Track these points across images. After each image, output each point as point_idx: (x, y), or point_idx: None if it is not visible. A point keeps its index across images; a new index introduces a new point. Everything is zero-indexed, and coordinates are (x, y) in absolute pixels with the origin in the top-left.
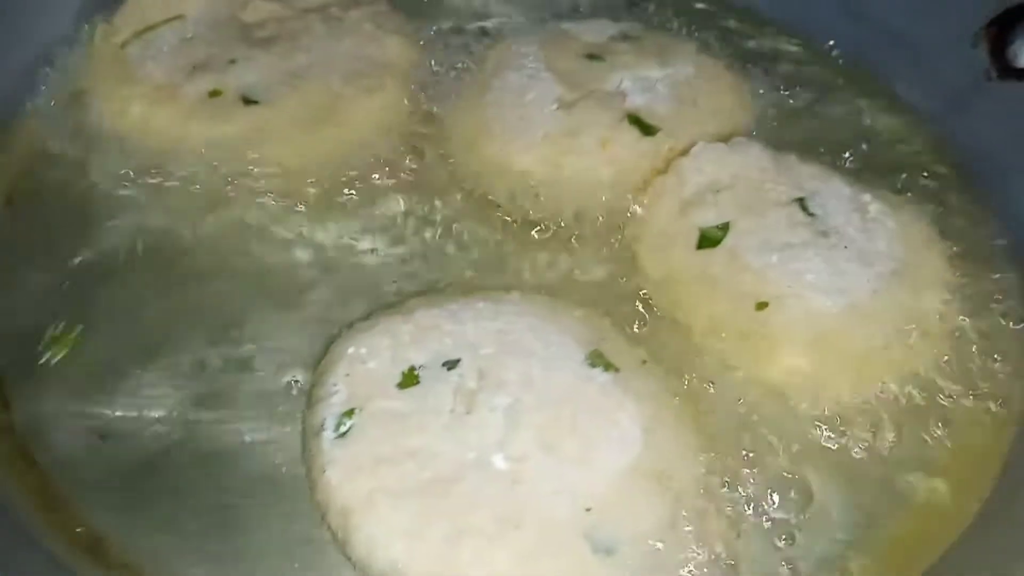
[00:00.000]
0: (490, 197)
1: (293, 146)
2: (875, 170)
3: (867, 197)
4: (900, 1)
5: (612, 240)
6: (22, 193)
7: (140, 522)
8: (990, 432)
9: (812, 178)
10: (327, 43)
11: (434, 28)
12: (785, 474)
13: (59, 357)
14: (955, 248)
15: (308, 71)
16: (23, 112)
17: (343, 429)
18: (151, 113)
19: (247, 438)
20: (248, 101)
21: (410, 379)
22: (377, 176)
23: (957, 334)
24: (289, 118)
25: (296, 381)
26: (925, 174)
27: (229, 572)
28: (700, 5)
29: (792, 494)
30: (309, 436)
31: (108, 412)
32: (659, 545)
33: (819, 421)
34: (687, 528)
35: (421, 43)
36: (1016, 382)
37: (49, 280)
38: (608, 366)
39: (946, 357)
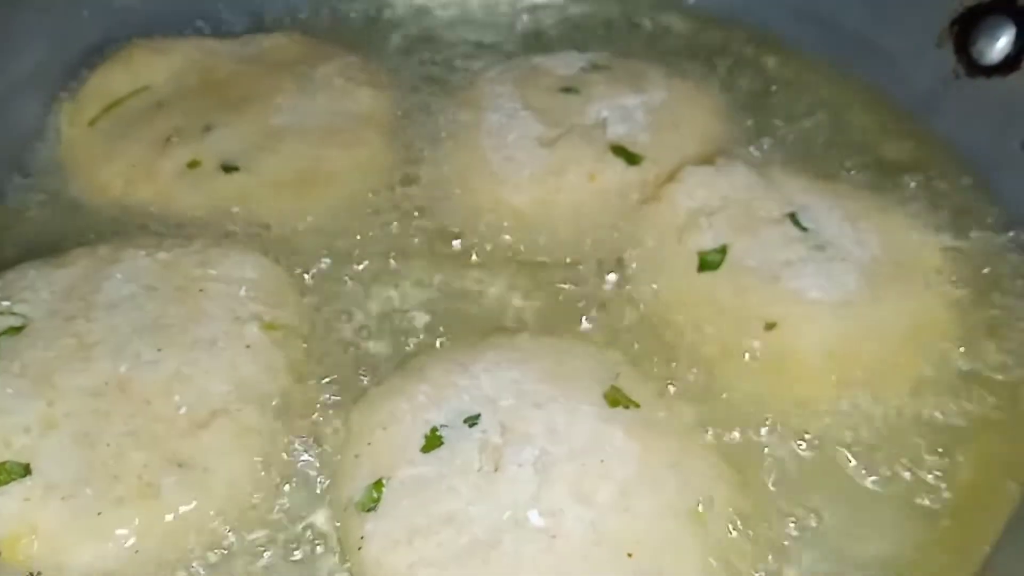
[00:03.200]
0: (482, 242)
1: (280, 210)
2: (861, 174)
3: (856, 204)
4: (860, 4)
5: (611, 273)
6: None
7: None
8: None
9: (800, 191)
10: (301, 101)
11: (406, 74)
12: (811, 496)
13: None
14: (950, 243)
15: (285, 132)
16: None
17: (373, 502)
18: (130, 191)
19: None
20: (228, 168)
21: (433, 441)
22: (364, 231)
23: (965, 326)
24: (272, 183)
25: None
26: (911, 173)
27: None
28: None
29: (819, 517)
30: (337, 509)
31: None
32: None
33: (841, 437)
34: (731, 560)
35: (396, 92)
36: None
37: None
38: (628, 403)
39: (962, 348)
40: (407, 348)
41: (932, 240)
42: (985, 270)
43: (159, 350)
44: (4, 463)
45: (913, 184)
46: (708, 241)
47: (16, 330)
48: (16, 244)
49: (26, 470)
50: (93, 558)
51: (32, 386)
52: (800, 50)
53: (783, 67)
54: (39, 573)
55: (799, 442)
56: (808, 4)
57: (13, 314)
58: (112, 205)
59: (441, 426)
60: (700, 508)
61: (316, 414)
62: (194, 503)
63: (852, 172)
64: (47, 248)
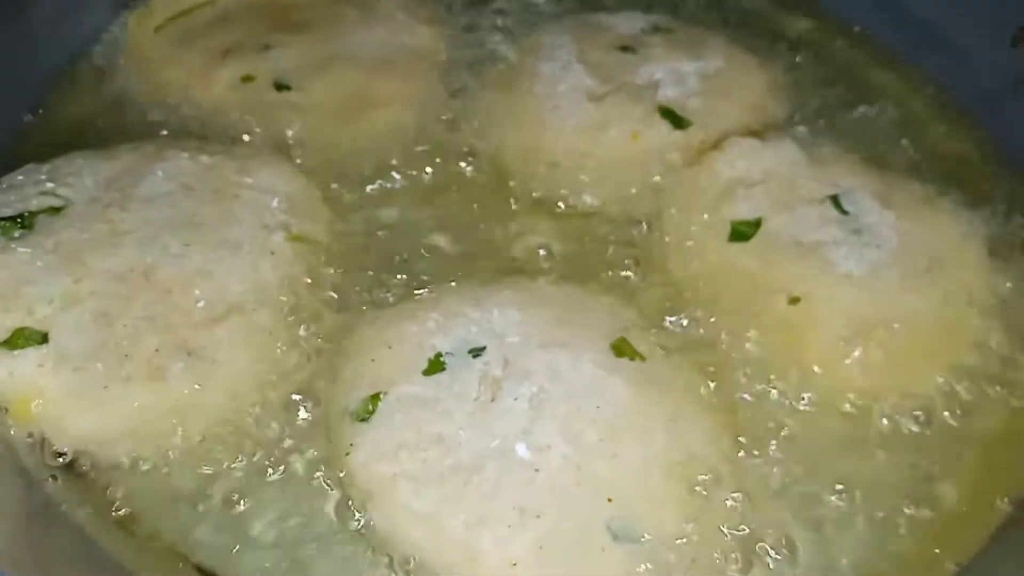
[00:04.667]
0: (519, 186)
1: (324, 131)
2: (912, 166)
3: (901, 194)
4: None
5: (641, 232)
6: None
7: None
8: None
9: (846, 174)
10: (360, 30)
11: (467, 16)
12: (814, 471)
13: None
14: (996, 247)
15: (340, 58)
16: (63, 89)
17: (367, 413)
18: (185, 96)
19: None
20: (280, 87)
21: (436, 366)
22: (406, 163)
23: (990, 336)
24: (320, 105)
25: None
26: (965, 171)
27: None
28: None
29: (822, 493)
30: (332, 417)
31: None
32: (682, 536)
33: (851, 418)
34: (710, 520)
35: (454, 32)
36: None
37: None
38: (634, 355)
39: (975, 360)
40: (425, 278)
41: (975, 241)
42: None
43: (187, 245)
44: (24, 328)
45: (970, 182)
46: (743, 212)
47: (55, 210)
48: (71, 133)
49: (44, 338)
50: (94, 428)
51: (61, 263)
52: (867, 35)
53: (847, 50)
54: (41, 434)
55: (802, 409)
56: None
57: (55, 195)
58: (166, 107)
59: (446, 353)
60: (687, 466)
61: (327, 327)
62: (197, 391)
63: (904, 162)
64: (99, 140)
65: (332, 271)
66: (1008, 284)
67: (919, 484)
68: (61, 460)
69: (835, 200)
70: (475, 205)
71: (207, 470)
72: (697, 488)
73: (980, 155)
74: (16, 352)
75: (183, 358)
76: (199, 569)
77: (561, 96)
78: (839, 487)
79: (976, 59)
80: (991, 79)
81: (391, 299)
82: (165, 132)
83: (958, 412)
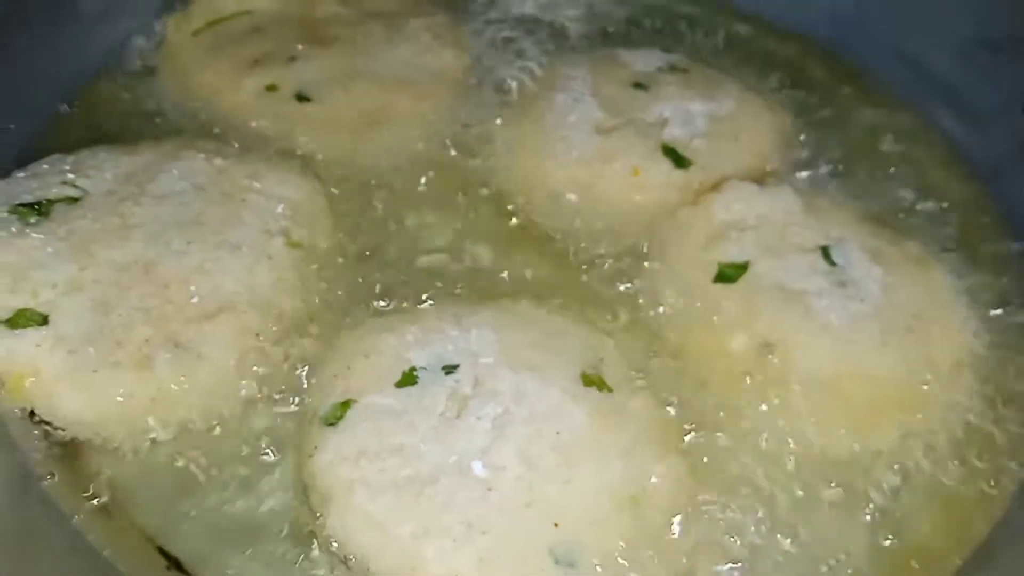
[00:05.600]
0: (518, 211)
1: (337, 143)
2: (911, 223)
3: (894, 251)
4: (954, 56)
5: (631, 264)
6: None
7: None
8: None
9: (840, 226)
10: (385, 48)
11: (492, 43)
12: (772, 515)
13: None
14: (987, 313)
15: (362, 74)
16: (99, 83)
17: (336, 419)
18: (212, 99)
19: None
20: (301, 98)
21: (408, 379)
22: (411, 181)
23: (961, 404)
24: (336, 118)
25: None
26: (966, 233)
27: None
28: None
29: (772, 534)
30: (304, 417)
31: None
32: (622, 566)
33: (813, 468)
34: (650, 553)
35: (476, 57)
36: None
37: None
38: (602, 386)
39: (945, 422)
40: (422, 293)
41: (961, 307)
42: (1006, 351)
43: (189, 243)
44: (26, 309)
45: (969, 245)
46: (732, 254)
47: (73, 200)
48: (101, 126)
49: (44, 320)
50: (81, 408)
51: (70, 250)
52: (883, 87)
53: (859, 100)
54: (31, 411)
55: (771, 462)
56: (900, 42)
57: (74, 186)
58: (193, 109)
59: (420, 367)
60: (637, 499)
61: (313, 333)
62: (182, 383)
63: (903, 219)
64: (126, 135)
65: (325, 279)
66: (989, 350)
67: (864, 535)
68: (47, 436)
69: (825, 251)
70: (472, 226)
71: (180, 462)
72: (643, 521)
73: (984, 218)
74: (17, 331)
75: (171, 350)
76: (166, 556)
77: (570, 127)
78: (789, 535)
79: (988, 120)
80: (1002, 143)
81: (377, 311)
82: (190, 132)
83: (915, 470)
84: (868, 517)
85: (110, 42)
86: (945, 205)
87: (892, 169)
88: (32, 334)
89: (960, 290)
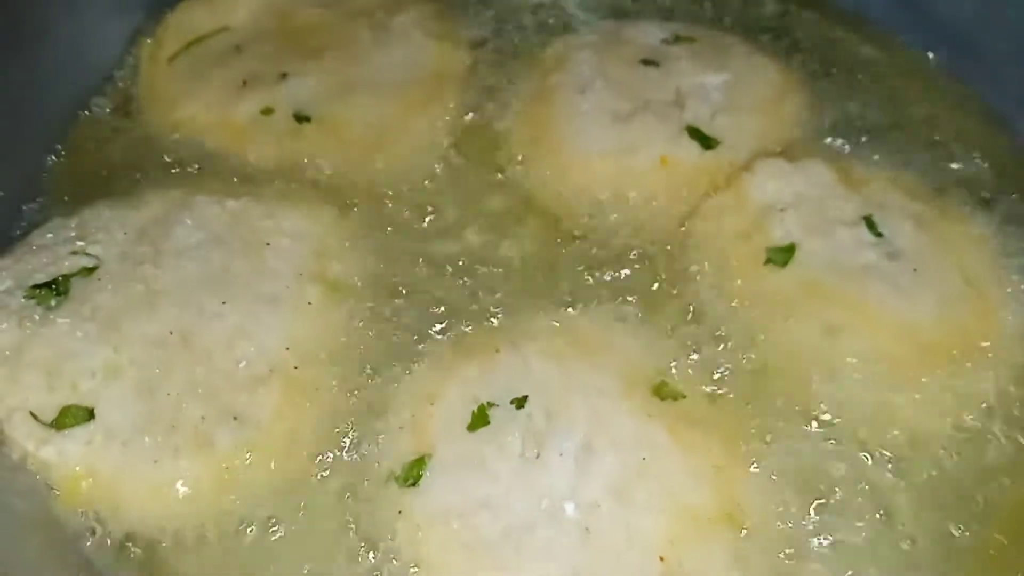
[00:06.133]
0: (545, 213)
1: (349, 164)
2: (946, 182)
3: (934, 213)
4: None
5: (671, 258)
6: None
7: None
8: None
9: (878, 192)
10: (376, 53)
11: (483, 29)
12: (857, 504)
13: None
14: None
15: (359, 84)
16: (82, 128)
17: (414, 478)
18: (204, 133)
19: None
20: (300, 118)
21: (480, 420)
22: (434, 194)
23: None
24: (341, 136)
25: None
26: (998, 186)
27: None
28: None
29: (865, 527)
30: (378, 476)
31: None
32: None
33: (888, 452)
34: (761, 567)
35: (471, 46)
36: None
37: None
38: (676, 396)
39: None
40: (465, 315)
41: (1011, 262)
42: None
43: (223, 303)
44: (70, 407)
45: (1005, 199)
46: (777, 237)
47: (89, 271)
48: (94, 175)
49: (90, 415)
50: (149, 504)
51: (100, 331)
52: (898, 41)
53: (878, 59)
54: (95, 515)
55: (848, 451)
56: None
57: (87, 255)
58: (187, 144)
59: (489, 404)
60: (733, 518)
61: (371, 377)
62: (247, 457)
63: (940, 179)
64: (123, 182)
65: (371, 315)
66: None
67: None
68: (116, 541)
69: (868, 221)
70: (500, 234)
71: (254, 537)
72: (745, 537)
73: (1019, 169)
74: (65, 431)
75: (229, 424)
76: None
77: (585, 117)
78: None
79: (1009, 70)
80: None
81: (431, 340)
82: (190, 171)
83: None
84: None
85: (86, 82)
86: (977, 158)
87: (916, 129)
88: (81, 432)
89: (1005, 245)
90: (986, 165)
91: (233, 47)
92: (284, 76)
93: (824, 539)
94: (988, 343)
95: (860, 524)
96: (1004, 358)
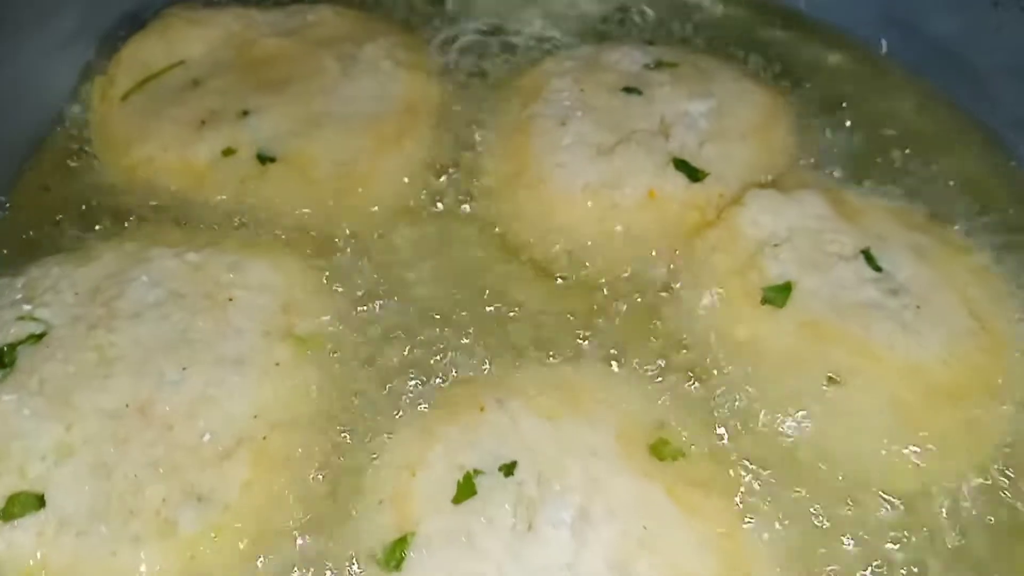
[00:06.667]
0: (528, 253)
1: (317, 207)
2: (943, 208)
3: (934, 242)
4: (954, 17)
5: (662, 299)
6: None
7: None
8: None
9: (875, 223)
10: (343, 84)
11: (455, 58)
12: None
13: None
14: None
15: (326, 119)
16: (29, 175)
17: (397, 560)
18: (161, 176)
19: None
20: (264, 159)
21: (466, 490)
22: (407, 236)
23: None
24: (308, 177)
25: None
26: (1000, 211)
27: None
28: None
29: None
30: (358, 555)
31: None
32: None
33: (901, 505)
34: None
35: (443, 76)
36: None
37: None
38: (675, 455)
39: None
40: (444, 368)
41: (1013, 288)
42: None
43: (183, 369)
44: (19, 494)
45: (1004, 226)
46: (772, 275)
47: (37, 338)
48: (42, 226)
49: (40, 502)
50: None
51: (50, 407)
52: (887, 62)
53: (866, 80)
54: None
55: (856, 509)
56: (897, 11)
57: (34, 319)
58: (142, 190)
59: (475, 472)
60: None
61: (345, 439)
62: (215, 540)
63: (931, 200)
64: (74, 233)
65: (343, 374)
66: None
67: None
68: None
69: (867, 255)
70: (483, 283)
71: None
72: None
73: (1014, 188)
74: (14, 522)
75: (193, 505)
76: None
77: (567, 151)
78: None
79: (999, 86)
80: (1016, 108)
81: (410, 398)
82: (145, 219)
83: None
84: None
85: (31, 125)
86: (973, 181)
87: (909, 151)
88: (31, 521)
89: (1007, 273)
90: (983, 188)
91: (190, 82)
92: (245, 113)
93: None
94: (1001, 380)
95: None
96: (1019, 396)
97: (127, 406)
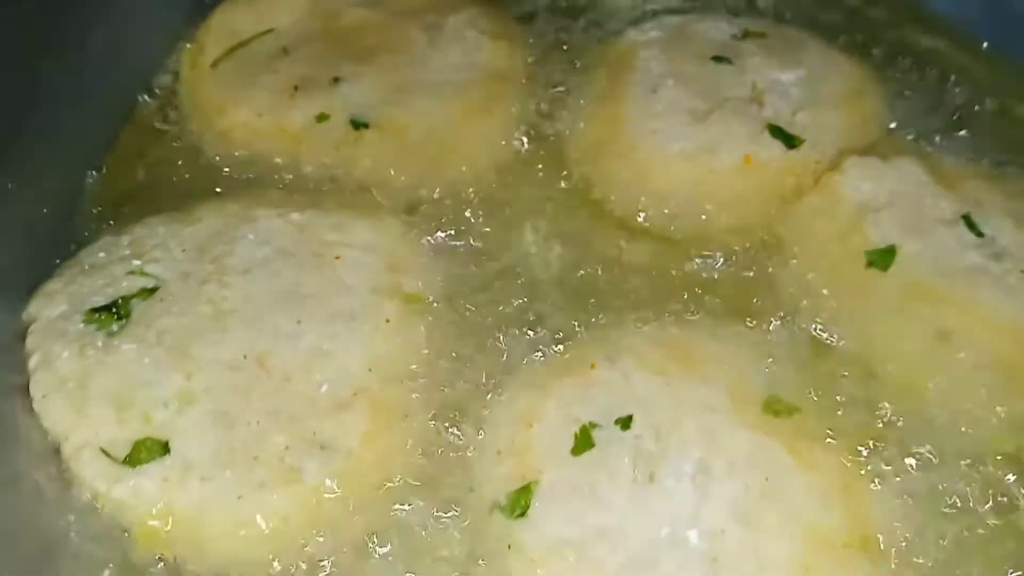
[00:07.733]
0: (626, 217)
1: (412, 171)
2: None
3: None
4: None
5: (764, 263)
6: None
7: None
8: None
9: (973, 189)
10: (431, 54)
11: (541, 25)
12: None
13: None
14: None
15: (415, 88)
16: (124, 141)
17: (522, 508)
18: (256, 141)
19: None
20: (358, 124)
21: (584, 443)
22: (503, 199)
23: None
24: (402, 143)
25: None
26: None
27: None
28: None
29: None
30: (479, 506)
31: None
32: None
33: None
34: None
35: (530, 44)
36: None
37: None
38: (789, 411)
39: None
40: (550, 327)
41: None
42: None
43: (298, 322)
44: (144, 440)
45: None
46: (875, 239)
47: (149, 292)
48: (139, 190)
49: (165, 448)
50: (233, 544)
51: (169, 357)
52: (973, 35)
53: (949, 53)
54: (175, 559)
55: (968, 458)
56: None
57: (145, 274)
58: (236, 154)
59: (592, 424)
60: (870, 539)
61: (456, 393)
62: (337, 488)
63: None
64: (171, 197)
65: (451, 331)
66: None
67: None
68: None
69: (968, 220)
70: (580, 240)
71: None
72: (882, 562)
73: None
74: (139, 468)
75: (316, 453)
76: None
77: (660, 117)
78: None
79: None
80: None
81: (517, 355)
82: (242, 182)
83: None
84: None
85: (125, 92)
86: None
87: (994, 122)
88: (156, 467)
89: None
90: None
91: (279, 50)
92: (337, 80)
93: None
94: None
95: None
96: None
97: (245, 357)
